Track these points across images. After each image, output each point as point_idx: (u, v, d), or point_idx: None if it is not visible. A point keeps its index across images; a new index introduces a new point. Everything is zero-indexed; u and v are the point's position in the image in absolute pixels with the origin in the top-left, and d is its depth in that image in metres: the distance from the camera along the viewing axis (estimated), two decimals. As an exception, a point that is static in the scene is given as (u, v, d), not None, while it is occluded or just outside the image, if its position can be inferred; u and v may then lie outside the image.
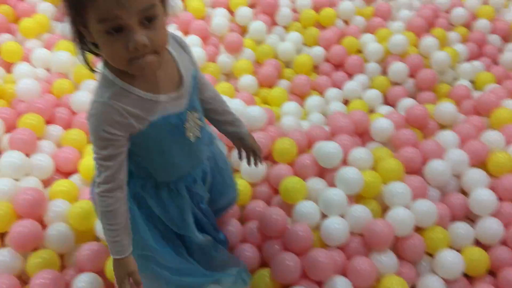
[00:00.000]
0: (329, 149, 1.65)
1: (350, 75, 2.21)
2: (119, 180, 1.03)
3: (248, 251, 1.50)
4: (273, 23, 2.35)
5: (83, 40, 0.96)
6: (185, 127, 1.09)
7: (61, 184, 1.62)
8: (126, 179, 1.06)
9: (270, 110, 1.89)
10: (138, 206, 1.17)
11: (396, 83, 2.16)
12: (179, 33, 2.18)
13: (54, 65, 2.07)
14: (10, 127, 1.78)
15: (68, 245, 1.51)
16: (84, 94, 1.89)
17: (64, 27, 0.95)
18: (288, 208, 1.58)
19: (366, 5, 2.52)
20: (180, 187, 1.19)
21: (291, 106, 1.97)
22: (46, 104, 1.85)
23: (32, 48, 2.16)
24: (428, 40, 2.23)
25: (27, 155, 1.66)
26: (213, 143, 1.32)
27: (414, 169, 1.69)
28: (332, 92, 2.11)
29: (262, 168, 1.64)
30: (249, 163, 1.34)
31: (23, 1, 2.37)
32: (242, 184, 1.62)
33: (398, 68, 2.14)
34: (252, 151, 1.32)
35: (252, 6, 2.39)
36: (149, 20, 0.91)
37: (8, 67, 2.09)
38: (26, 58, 2.11)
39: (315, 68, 2.26)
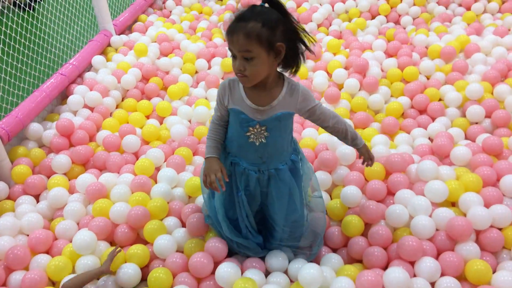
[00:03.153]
0: (426, 164, 2.04)
1: (433, 119, 2.60)
2: (220, 122, 1.68)
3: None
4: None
5: None
6: (248, 128, 1.59)
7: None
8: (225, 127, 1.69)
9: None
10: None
11: (474, 123, 2.50)
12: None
13: (194, 117, 2.72)
14: (167, 157, 2.39)
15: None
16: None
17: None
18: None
19: (445, 63, 2.95)
20: (237, 162, 1.69)
21: (380, 138, 2.38)
22: (192, 142, 2.45)
23: (177, 106, 2.84)
24: (502, 87, 2.58)
25: (178, 173, 2.24)
26: (287, 174, 1.70)
27: (490, 184, 2.01)
28: (418, 131, 2.49)
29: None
30: (363, 163, 1.81)
31: (167, 73, 3.13)
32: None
33: (475, 110, 2.49)
34: (365, 157, 1.80)
35: (346, 68, 2.94)
36: (246, 58, 1.45)
37: (161, 120, 2.79)
38: (174, 113, 2.79)
39: (402, 114, 2.68)
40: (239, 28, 1.42)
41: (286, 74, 1.58)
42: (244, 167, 1.69)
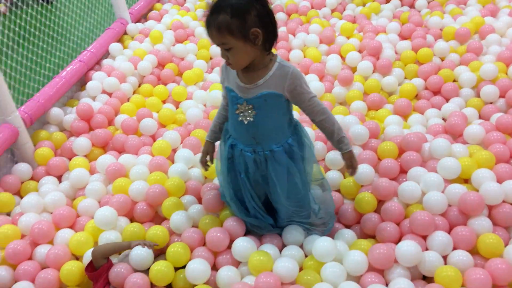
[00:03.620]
0: (439, 142, 2.07)
1: (447, 100, 2.60)
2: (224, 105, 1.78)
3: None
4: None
5: None
6: (237, 106, 1.63)
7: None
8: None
9: (375, 123, 2.34)
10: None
11: (488, 103, 2.50)
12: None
13: (209, 101, 2.77)
14: (183, 140, 2.45)
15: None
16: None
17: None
18: (395, 188, 2.00)
19: (459, 44, 2.94)
20: (235, 144, 1.73)
21: (393, 118, 2.40)
22: (207, 125, 2.50)
23: (192, 91, 2.90)
24: (517, 67, 2.57)
25: (194, 153, 2.30)
26: (284, 157, 1.70)
27: (503, 161, 2.02)
28: (431, 111, 2.51)
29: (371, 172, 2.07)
30: (347, 172, 1.77)
31: (183, 60, 3.18)
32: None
33: (489, 90, 2.49)
34: (346, 164, 1.74)
35: (359, 51, 2.95)
36: (226, 49, 1.49)
37: (177, 104, 2.84)
38: (189, 98, 2.85)
39: (416, 96, 2.69)
40: (212, 22, 1.46)
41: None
42: (241, 149, 1.73)
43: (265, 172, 1.75)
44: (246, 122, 1.65)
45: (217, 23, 1.44)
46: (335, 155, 2.17)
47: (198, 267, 1.73)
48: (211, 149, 1.87)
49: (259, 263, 1.74)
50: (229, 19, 1.43)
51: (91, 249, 1.81)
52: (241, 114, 1.65)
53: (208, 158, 1.88)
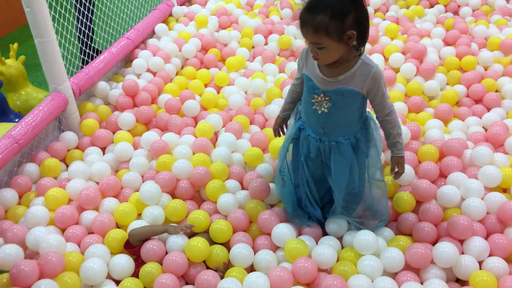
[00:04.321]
0: (481, 150, 2.09)
1: (488, 109, 2.60)
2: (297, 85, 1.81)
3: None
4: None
5: None
6: (313, 95, 1.66)
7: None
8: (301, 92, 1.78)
9: (417, 125, 2.36)
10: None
11: (531, 116, 2.50)
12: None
13: (251, 88, 2.81)
14: (224, 124, 2.49)
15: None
16: (274, 107, 2.56)
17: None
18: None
19: (504, 55, 2.94)
20: (304, 128, 1.77)
21: (435, 122, 2.42)
22: (248, 111, 2.55)
23: (234, 77, 2.94)
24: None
25: (237, 138, 2.34)
26: (349, 152, 1.74)
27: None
28: (472, 119, 2.51)
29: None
30: (391, 172, 1.80)
31: (226, 46, 3.22)
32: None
33: (532, 102, 2.50)
34: (392, 166, 1.78)
35: (403, 53, 2.96)
36: (318, 48, 1.51)
37: (218, 89, 2.89)
38: (231, 83, 2.89)
39: (457, 103, 2.70)
40: (308, 21, 1.46)
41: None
42: (308, 134, 1.77)
43: (327, 161, 1.78)
44: (319, 112, 1.68)
45: (315, 23, 1.44)
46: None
47: (242, 252, 1.78)
48: (282, 123, 1.94)
49: (295, 251, 1.78)
50: (328, 21, 1.43)
51: (138, 225, 1.87)
52: (316, 103, 1.68)
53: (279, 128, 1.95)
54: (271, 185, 2.07)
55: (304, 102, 1.75)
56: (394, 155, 1.77)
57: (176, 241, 1.83)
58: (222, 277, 1.74)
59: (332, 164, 1.77)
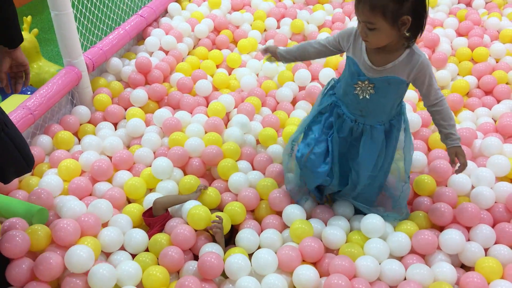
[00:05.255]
0: (491, 140, 2.11)
1: (498, 101, 2.61)
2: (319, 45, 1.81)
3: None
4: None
5: None
6: (357, 81, 1.66)
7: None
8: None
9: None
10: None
11: (541, 108, 2.51)
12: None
13: (262, 71, 2.82)
14: (236, 105, 2.51)
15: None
16: (285, 90, 2.57)
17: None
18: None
19: (516, 48, 2.94)
20: (339, 105, 1.77)
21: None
22: (260, 93, 2.56)
23: (246, 60, 2.95)
24: None
25: (249, 119, 2.36)
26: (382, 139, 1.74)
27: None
28: (482, 110, 2.52)
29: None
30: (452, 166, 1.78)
31: (238, 28, 3.22)
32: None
33: (543, 96, 2.51)
34: (451, 158, 1.75)
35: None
36: (370, 28, 1.50)
37: (230, 70, 2.90)
38: (242, 65, 2.90)
39: (467, 93, 2.71)
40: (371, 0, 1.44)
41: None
42: (344, 112, 1.76)
43: (356, 143, 1.78)
44: (361, 97, 1.68)
45: (373, 2, 1.44)
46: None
47: (247, 237, 1.81)
48: (274, 54, 1.93)
49: (300, 231, 1.81)
50: (387, 1, 1.42)
51: (152, 198, 1.90)
52: (358, 88, 1.68)
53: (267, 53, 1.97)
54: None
55: (346, 85, 1.73)
56: (450, 147, 1.73)
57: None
58: (220, 229, 1.76)
59: (361, 147, 1.77)
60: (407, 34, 1.52)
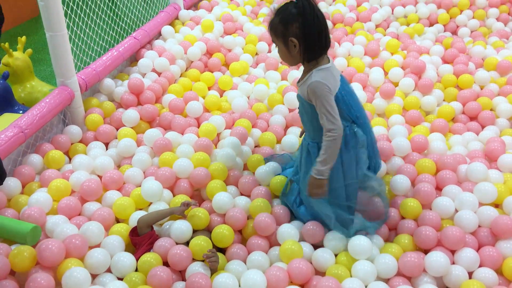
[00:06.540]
0: (476, 166, 2.15)
1: (482, 127, 2.67)
2: None
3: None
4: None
5: None
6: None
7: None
8: None
9: (424, 137, 2.40)
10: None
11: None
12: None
13: (254, 93, 2.87)
14: (227, 126, 2.55)
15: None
16: (277, 117, 2.62)
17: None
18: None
19: (500, 76, 3.02)
20: None
21: (437, 135, 2.48)
22: (251, 115, 2.60)
23: (237, 82, 3.00)
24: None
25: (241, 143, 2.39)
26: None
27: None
28: (469, 135, 2.57)
29: None
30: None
31: (230, 51, 3.28)
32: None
33: (526, 122, 2.57)
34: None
35: (402, 68, 3.05)
36: (276, 46, 1.77)
37: (221, 92, 2.95)
38: (233, 88, 2.95)
39: (452, 119, 2.77)
40: (270, 21, 1.74)
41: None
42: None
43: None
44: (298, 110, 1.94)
45: (271, 23, 1.74)
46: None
47: (235, 268, 1.82)
48: None
49: (290, 252, 1.84)
50: (277, 23, 1.71)
51: (138, 216, 1.91)
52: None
53: None
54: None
55: None
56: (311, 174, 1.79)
57: (180, 228, 1.90)
58: (216, 261, 1.77)
59: (301, 160, 1.96)
60: (301, 55, 1.73)
